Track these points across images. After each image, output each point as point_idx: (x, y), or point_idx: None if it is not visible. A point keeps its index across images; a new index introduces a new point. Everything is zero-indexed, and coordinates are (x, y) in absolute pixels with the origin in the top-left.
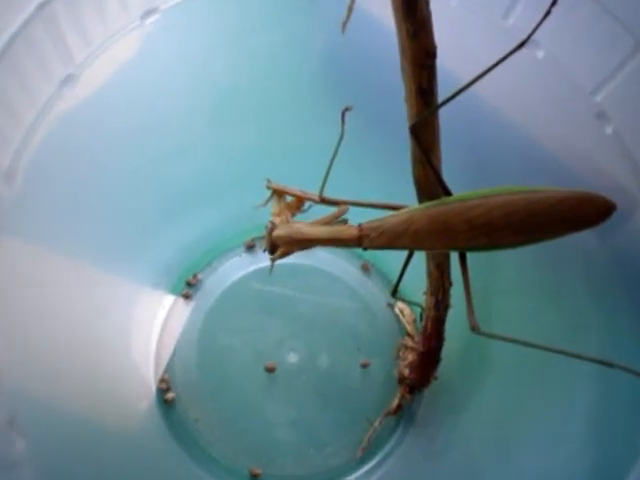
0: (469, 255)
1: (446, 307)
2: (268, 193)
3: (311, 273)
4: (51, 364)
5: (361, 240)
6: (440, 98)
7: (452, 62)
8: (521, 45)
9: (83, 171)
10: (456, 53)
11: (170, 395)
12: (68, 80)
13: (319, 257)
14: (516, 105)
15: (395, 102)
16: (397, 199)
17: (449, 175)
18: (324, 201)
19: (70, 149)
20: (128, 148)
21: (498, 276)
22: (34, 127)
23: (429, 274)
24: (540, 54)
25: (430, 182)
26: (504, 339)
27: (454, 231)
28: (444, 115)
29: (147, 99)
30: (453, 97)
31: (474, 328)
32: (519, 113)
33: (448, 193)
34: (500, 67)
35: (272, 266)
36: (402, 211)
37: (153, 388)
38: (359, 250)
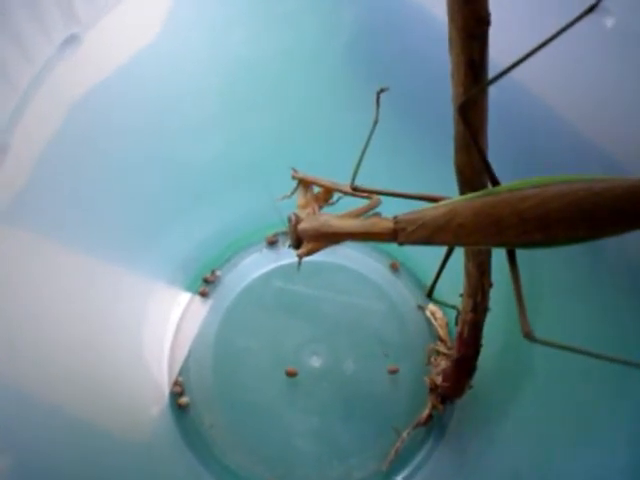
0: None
1: (485, 310)
2: (294, 183)
3: (336, 271)
4: (54, 365)
5: (397, 234)
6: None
7: (504, 34)
8: (590, 10)
9: (88, 154)
10: (510, 23)
11: (184, 399)
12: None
13: (345, 254)
14: (570, 87)
15: (433, 82)
16: (435, 190)
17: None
18: (356, 191)
19: (75, 131)
20: (137, 128)
21: (538, 276)
22: (34, 103)
23: (467, 274)
24: (609, 22)
25: (475, 170)
26: (563, 348)
27: (503, 225)
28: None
29: (158, 72)
30: (508, 71)
31: (528, 335)
32: (571, 95)
33: (496, 183)
34: (560, 41)
35: (300, 263)
36: (443, 203)
37: (166, 392)
38: (388, 248)
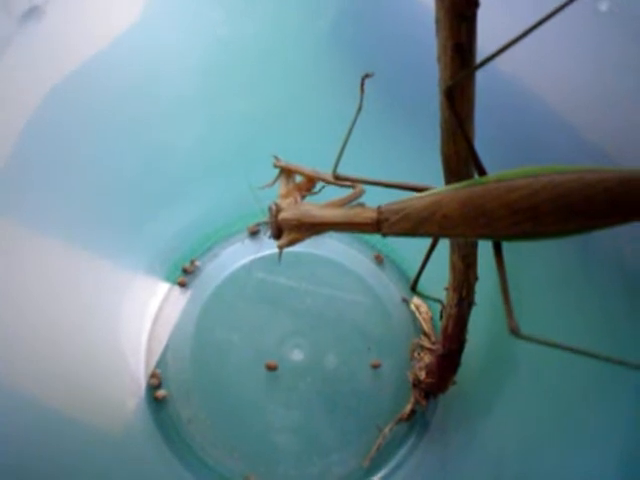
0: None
1: (470, 304)
2: (275, 172)
3: (319, 263)
4: (24, 354)
5: (380, 224)
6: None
7: (493, 18)
8: None
9: (62, 141)
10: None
11: (161, 392)
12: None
13: (328, 246)
14: (561, 76)
15: (419, 67)
16: (421, 180)
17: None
18: (338, 179)
19: (49, 117)
20: (113, 114)
21: (525, 271)
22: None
23: (453, 267)
24: (603, 6)
25: (462, 159)
26: (549, 344)
27: (491, 217)
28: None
29: (135, 54)
30: (498, 54)
31: (514, 330)
32: (561, 85)
33: (483, 172)
34: (548, 26)
35: (280, 254)
36: (428, 193)
37: (143, 384)
38: (372, 240)
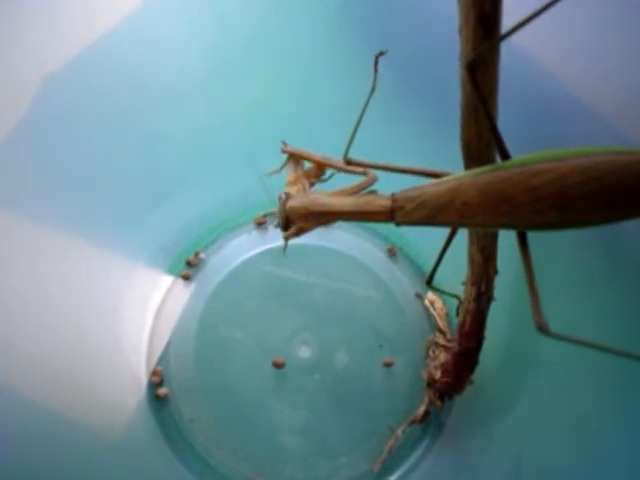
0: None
1: (489, 299)
2: (283, 158)
3: (329, 256)
4: (21, 352)
5: (394, 213)
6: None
7: None
8: None
9: (64, 131)
10: None
11: (162, 390)
12: None
13: (339, 238)
14: (587, 58)
15: (436, 42)
16: (438, 165)
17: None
18: (349, 164)
19: (49, 106)
20: (115, 102)
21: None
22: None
23: (471, 260)
24: None
25: (483, 142)
26: (580, 343)
27: (514, 203)
28: None
29: (136, 36)
30: (525, 23)
31: (541, 327)
32: (586, 67)
33: (506, 156)
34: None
35: (285, 245)
36: (446, 178)
37: (143, 382)
38: (385, 231)
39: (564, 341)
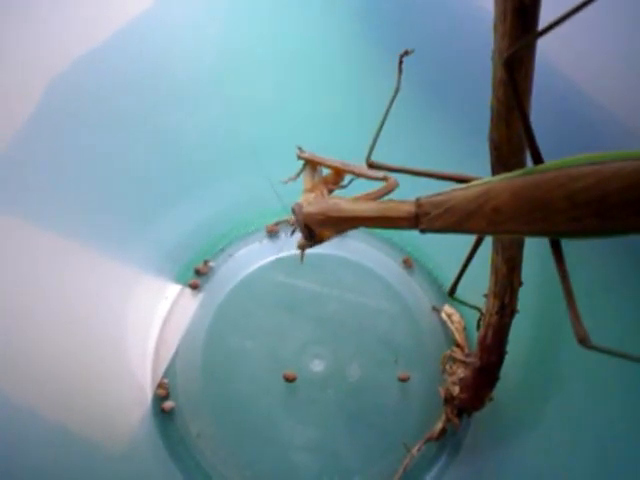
0: None
1: (512, 312)
2: (299, 164)
3: (343, 266)
4: (24, 363)
5: (419, 219)
6: None
7: None
8: None
9: (72, 132)
10: None
11: (168, 404)
12: None
13: (354, 248)
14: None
15: (464, 41)
16: (465, 169)
17: None
18: (372, 167)
19: (57, 105)
20: (124, 103)
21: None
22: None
23: (495, 270)
24: None
25: (514, 145)
26: (625, 357)
27: (550, 209)
28: None
29: (148, 32)
30: (564, 19)
31: (582, 340)
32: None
33: (539, 160)
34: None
35: (302, 255)
36: (475, 183)
37: (149, 394)
38: (402, 242)
39: (606, 354)
